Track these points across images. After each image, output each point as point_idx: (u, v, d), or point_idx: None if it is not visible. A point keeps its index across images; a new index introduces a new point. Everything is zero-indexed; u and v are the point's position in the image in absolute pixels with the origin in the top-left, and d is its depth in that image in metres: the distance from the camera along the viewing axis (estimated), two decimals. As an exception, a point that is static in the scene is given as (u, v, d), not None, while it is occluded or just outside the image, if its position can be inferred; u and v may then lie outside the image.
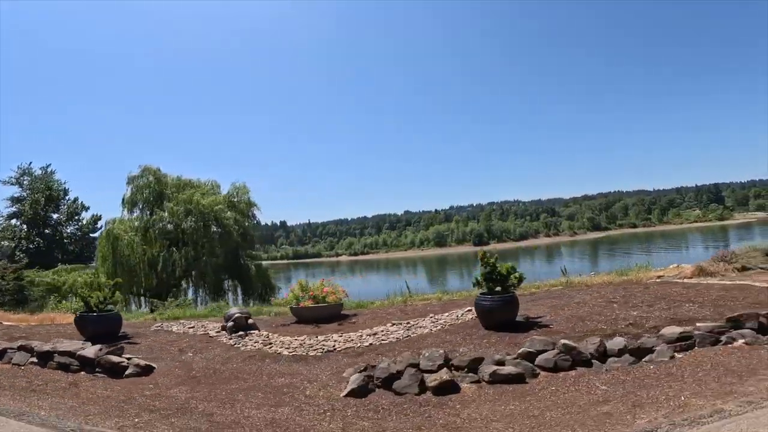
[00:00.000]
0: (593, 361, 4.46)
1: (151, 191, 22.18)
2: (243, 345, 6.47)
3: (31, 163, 37.36)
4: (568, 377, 4.19)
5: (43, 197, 36.02)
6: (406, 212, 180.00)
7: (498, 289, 6.07)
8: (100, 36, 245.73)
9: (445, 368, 4.37)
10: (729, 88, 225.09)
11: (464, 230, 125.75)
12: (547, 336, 5.00)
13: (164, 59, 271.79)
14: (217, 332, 7.30)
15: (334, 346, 5.84)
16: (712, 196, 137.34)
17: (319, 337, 6.38)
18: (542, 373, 4.34)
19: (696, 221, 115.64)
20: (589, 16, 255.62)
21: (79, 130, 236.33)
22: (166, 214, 21.02)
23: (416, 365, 4.45)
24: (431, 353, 4.61)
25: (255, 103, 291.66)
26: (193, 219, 20.78)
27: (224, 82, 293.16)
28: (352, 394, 4.24)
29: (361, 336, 6.15)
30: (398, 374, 4.37)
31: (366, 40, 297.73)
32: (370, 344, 5.78)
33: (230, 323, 7.12)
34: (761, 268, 8.93)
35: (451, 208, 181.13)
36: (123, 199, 21.94)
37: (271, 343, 6.34)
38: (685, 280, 8.50)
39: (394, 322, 6.80)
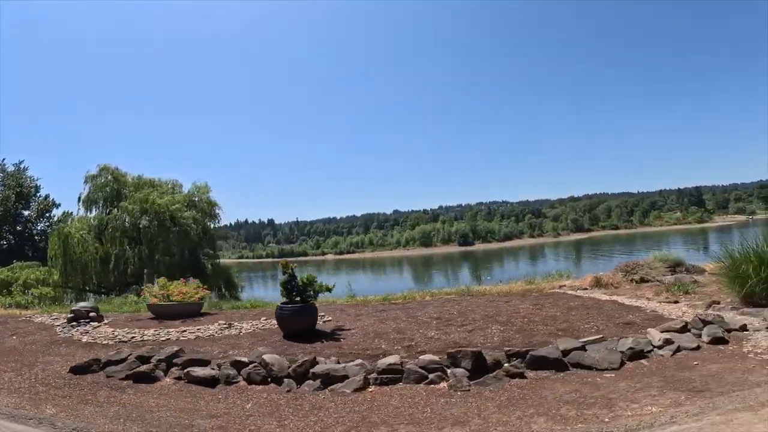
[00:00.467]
0: (287, 380, 4.39)
1: (110, 190, 22.48)
2: (66, 333, 7.11)
3: (4, 159, 37.35)
4: (245, 389, 4.40)
5: (13, 194, 36.00)
6: (395, 212, 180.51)
7: (298, 298, 6.31)
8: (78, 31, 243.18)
9: (164, 363, 4.96)
10: (717, 92, 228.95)
11: (450, 230, 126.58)
12: (336, 348, 5.30)
13: (156, 56, 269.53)
14: (62, 323, 7.89)
15: (143, 338, 6.39)
16: (694, 199, 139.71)
17: (147, 331, 6.82)
18: (241, 382, 4.51)
19: (676, 224, 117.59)
20: (579, 19, 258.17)
21: (52, 128, 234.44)
22: (122, 213, 21.32)
23: (143, 357, 5.12)
24: (167, 350, 5.25)
25: (244, 103, 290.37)
26: (148, 218, 21.09)
27: (216, 82, 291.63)
28: (73, 370, 5.02)
29: (185, 332, 6.65)
30: (118, 362, 5.05)
31: (358, 40, 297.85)
32: (178, 338, 6.31)
33: (71, 315, 7.76)
34: (657, 281, 8.93)
35: (440, 208, 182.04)
36: (80, 198, 22.23)
37: (88, 332, 7.03)
38: (579, 293, 8.62)
39: (221, 322, 7.22)
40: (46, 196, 39.29)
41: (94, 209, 22.58)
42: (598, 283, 9.43)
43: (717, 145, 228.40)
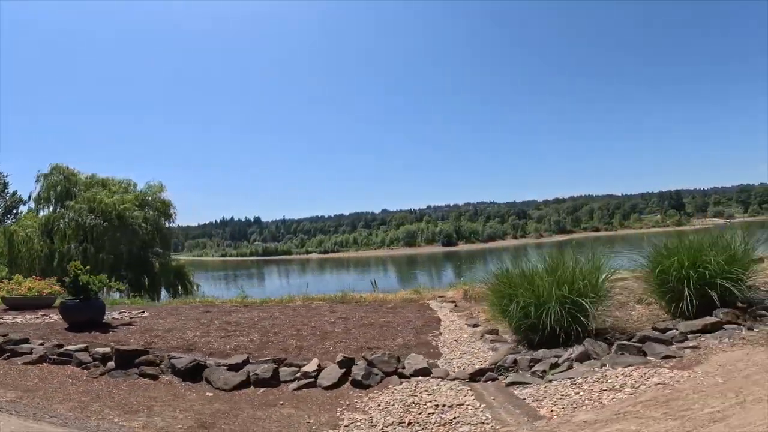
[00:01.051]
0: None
1: (61, 189, 23.02)
2: None
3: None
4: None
5: (-20, 190, 36.17)
6: (384, 211, 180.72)
7: (82, 296, 7.30)
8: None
9: None
10: (699, 98, 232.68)
11: (434, 230, 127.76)
12: (92, 338, 6.24)
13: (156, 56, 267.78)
14: None
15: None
16: (674, 202, 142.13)
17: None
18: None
19: (654, 226, 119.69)
20: (560, 28, 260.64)
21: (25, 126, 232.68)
22: (70, 211, 21.88)
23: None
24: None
25: (232, 103, 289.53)
26: (95, 217, 21.68)
27: (196, 79, 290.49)
28: None
29: (24, 319, 7.79)
30: None
31: (344, 41, 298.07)
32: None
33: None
34: None
35: (429, 207, 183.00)
36: (30, 197, 22.80)
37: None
38: (443, 305, 8.72)
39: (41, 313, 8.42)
40: (14, 192, 39.50)
41: (46, 208, 23.19)
42: (465, 296, 9.27)
43: (699, 149, 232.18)
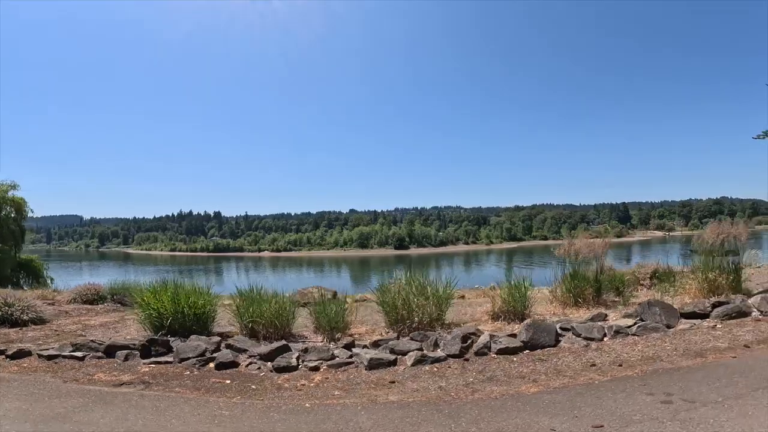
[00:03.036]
0: None
1: None
2: None
3: None
4: None
5: None
6: (351, 211, 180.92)
7: None
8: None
9: None
10: (653, 115, 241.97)
11: (387, 233, 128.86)
12: None
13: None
14: None
15: None
16: (621, 214, 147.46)
17: None
18: None
19: (597, 237, 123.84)
20: (536, 42, 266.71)
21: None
22: None
23: None
24: None
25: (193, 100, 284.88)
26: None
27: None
28: None
29: None
30: None
31: (324, 44, 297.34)
32: None
33: None
34: None
35: (396, 209, 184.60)
36: None
37: None
38: None
39: None
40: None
41: None
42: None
43: (649, 165, 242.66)
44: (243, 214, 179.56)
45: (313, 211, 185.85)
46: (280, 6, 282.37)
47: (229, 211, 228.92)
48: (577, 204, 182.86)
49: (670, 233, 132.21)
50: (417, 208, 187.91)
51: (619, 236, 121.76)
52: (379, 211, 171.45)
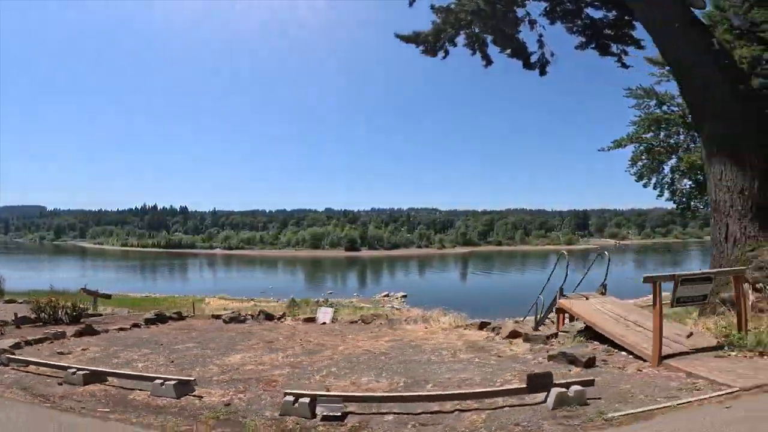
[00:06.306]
0: None
1: None
2: None
3: None
4: None
5: None
6: (327, 209, 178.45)
7: None
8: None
9: None
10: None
11: (339, 235, 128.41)
12: None
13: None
14: None
15: None
16: (580, 221, 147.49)
17: None
18: None
19: (549, 244, 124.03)
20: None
21: None
22: None
23: None
24: None
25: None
26: None
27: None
28: None
29: None
30: None
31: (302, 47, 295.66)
32: None
33: None
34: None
35: (372, 210, 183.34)
36: None
37: None
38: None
39: None
40: None
41: None
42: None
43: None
44: (211, 209, 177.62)
45: (289, 209, 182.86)
46: None
47: (205, 206, 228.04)
48: (549, 210, 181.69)
49: (622, 241, 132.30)
50: (393, 208, 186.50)
51: (569, 243, 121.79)
52: (356, 210, 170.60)
